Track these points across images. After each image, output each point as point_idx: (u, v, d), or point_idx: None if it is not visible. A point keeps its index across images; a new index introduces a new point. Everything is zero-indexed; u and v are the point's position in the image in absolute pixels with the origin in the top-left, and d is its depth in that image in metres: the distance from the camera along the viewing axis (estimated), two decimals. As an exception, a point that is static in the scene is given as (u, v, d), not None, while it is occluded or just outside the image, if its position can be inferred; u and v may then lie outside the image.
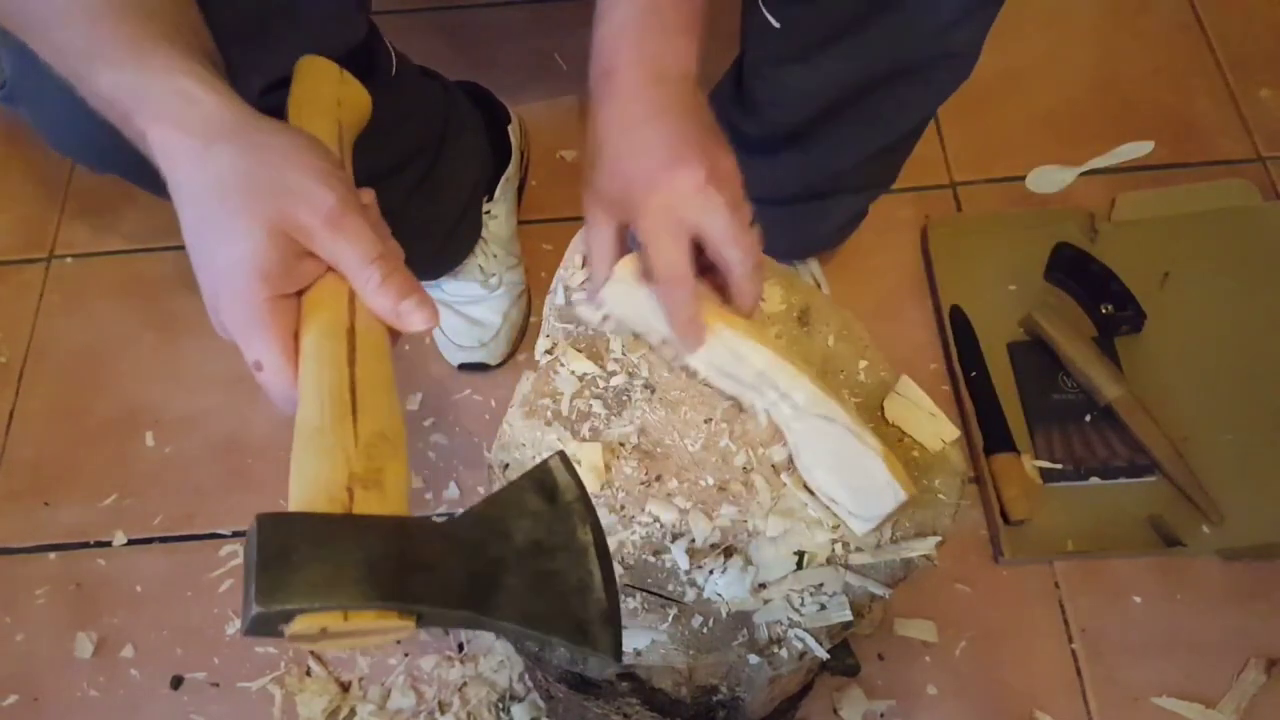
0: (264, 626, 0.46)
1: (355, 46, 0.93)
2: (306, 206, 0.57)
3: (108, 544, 1.32)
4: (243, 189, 0.57)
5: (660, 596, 0.70)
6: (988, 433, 1.30)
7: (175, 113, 0.58)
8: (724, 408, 0.77)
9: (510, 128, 1.46)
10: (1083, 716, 1.17)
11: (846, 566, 0.71)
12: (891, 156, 1.19)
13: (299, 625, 0.45)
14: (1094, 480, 1.27)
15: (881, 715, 1.17)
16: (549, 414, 0.78)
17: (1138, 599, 1.22)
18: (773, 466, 0.75)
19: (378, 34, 1.02)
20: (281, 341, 0.57)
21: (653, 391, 0.78)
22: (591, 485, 0.73)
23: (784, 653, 0.69)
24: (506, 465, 0.76)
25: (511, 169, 1.43)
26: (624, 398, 0.78)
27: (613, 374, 0.79)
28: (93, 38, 0.58)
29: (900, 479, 0.70)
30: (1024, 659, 1.20)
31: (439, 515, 1.31)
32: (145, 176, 0.62)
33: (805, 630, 0.69)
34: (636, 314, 0.76)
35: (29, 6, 0.60)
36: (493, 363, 1.38)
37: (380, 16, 1.02)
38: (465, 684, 1.21)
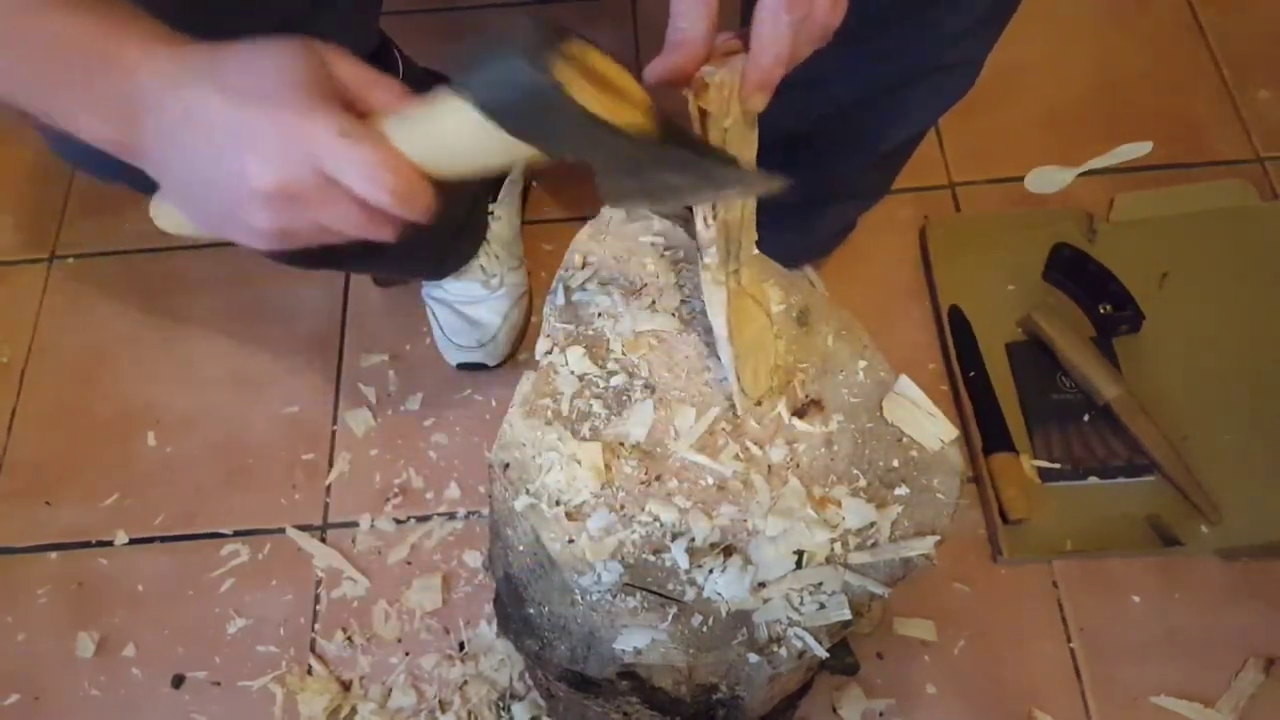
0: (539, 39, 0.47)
1: (368, 56, 0.94)
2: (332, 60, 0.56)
3: (109, 543, 1.32)
4: (268, 50, 0.55)
5: (660, 595, 0.71)
6: (986, 432, 1.30)
7: (169, 35, 0.56)
8: (724, 407, 0.78)
9: None
10: (1081, 716, 1.17)
11: (846, 566, 0.71)
12: (888, 166, 1.19)
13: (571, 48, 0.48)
14: (1093, 480, 1.27)
15: (881, 714, 1.17)
16: (549, 414, 0.78)
17: (1136, 598, 1.22)
18: (770, 467, 0.76)
19: (388, 42, 1.03)
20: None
21: (653, 391, 0.78)
22: (592, 485, 0.74)
23: (783, 651, 0.69)
24: (507, 465, 0.76)
25: (516, 171, 1.44)
26: (624, 398, 0.78)
27: (613, 374, 0.79)
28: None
29: (747, 387, 0.74)
30: (1023, 658, 1.20)
31: (439, 515, 1.31)
32: (149, 185, 0.62)
33: (804, 629, 0.70)
34: None
35: None
36: (491, 363, 1.38)
37: (382, 17, 1.03)
38: (466, 683, 1.21)
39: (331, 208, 0.55)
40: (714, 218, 0.67)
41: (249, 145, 0.53)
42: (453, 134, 0.53)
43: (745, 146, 0.65)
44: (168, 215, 0.69)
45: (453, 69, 0.49)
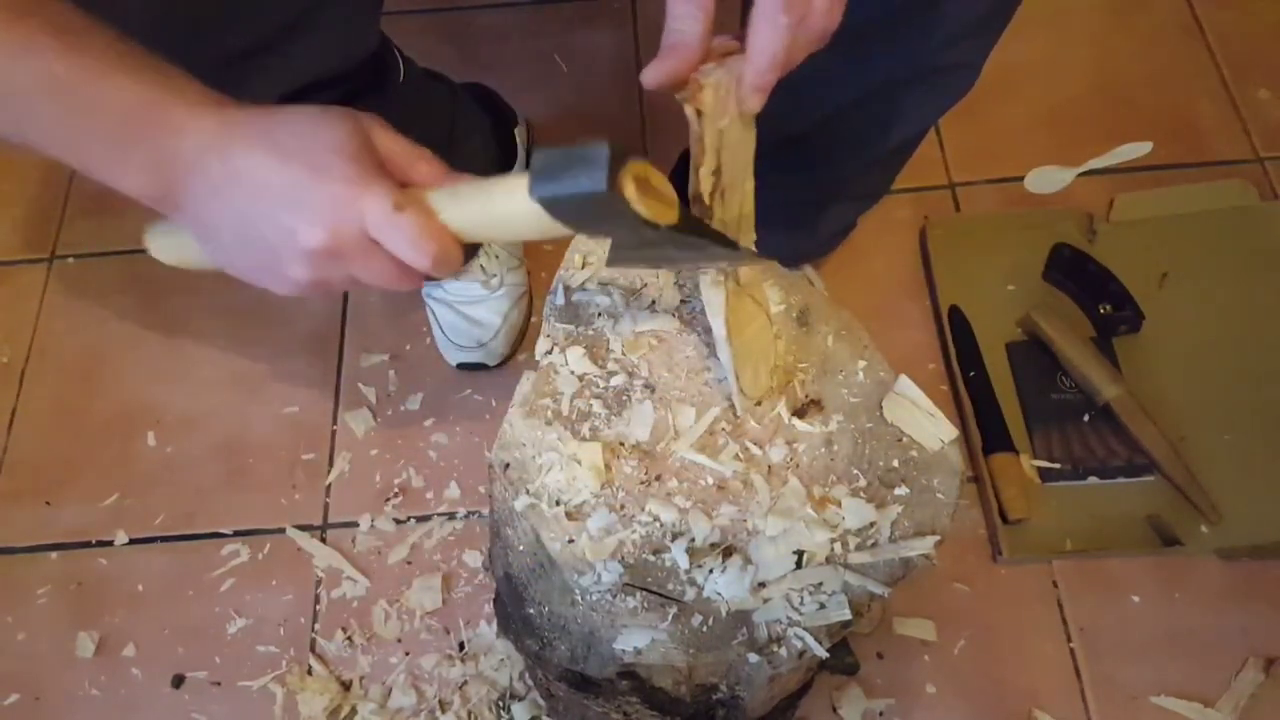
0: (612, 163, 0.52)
1: (368, 57, 0.94)
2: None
3: (109, 543, 1.32)
4: (315, 118, 0.59)
5: (660, 595, 0.71)
6: (986, 432, 1.30)
7: (215, 98, 0.58)
8: (724, 407, 0.78)
9: (516, 129, 1.47)
10: (1081, 715, 1.17)
11: (845, 565, 0.71)
12: (887, 167, 1.19)
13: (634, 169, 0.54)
14: (1092, 480, 1.27)
15: (880, 714, 1.17)
16: (549, 414, 0.78)
17: (1136, 598, 1.22)
18: (770, 467, 0.76)
19: (388, 43, 1.03)
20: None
21: (653, 391, 0.78)
22: (592, 485, 0.74)
23: (783, 651, 0.69)
24: (507, 465, 0.76)
25: (516, 170, 1.44)
26: (624, 398, 0.78)
27: (613, 374, 0.79)
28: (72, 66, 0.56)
29: (746, 387, 0.74)
30: (1022, 658, 1.20)
31: (439, 515, 1.31)
32: None
33: (804, 629, 0.70)
34: None
35: None
36: (491, 363, 1.38)
37: (383, 17, 1.03)
38: (466, 682, 1.21)
39: (369, 265, 0.59)
40: (711, 218, 0.67)
41: (305, 209, 0.57)
42: (502, 214, 0.58)
43: (743, 147, 0.65)
44: (164, 248, 0.70)
45: (534, 173, 0.55)
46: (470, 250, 1.33)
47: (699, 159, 0.65)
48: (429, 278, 0.61)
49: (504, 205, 0.58)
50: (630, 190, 0.55)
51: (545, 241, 1.47)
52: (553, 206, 0.56)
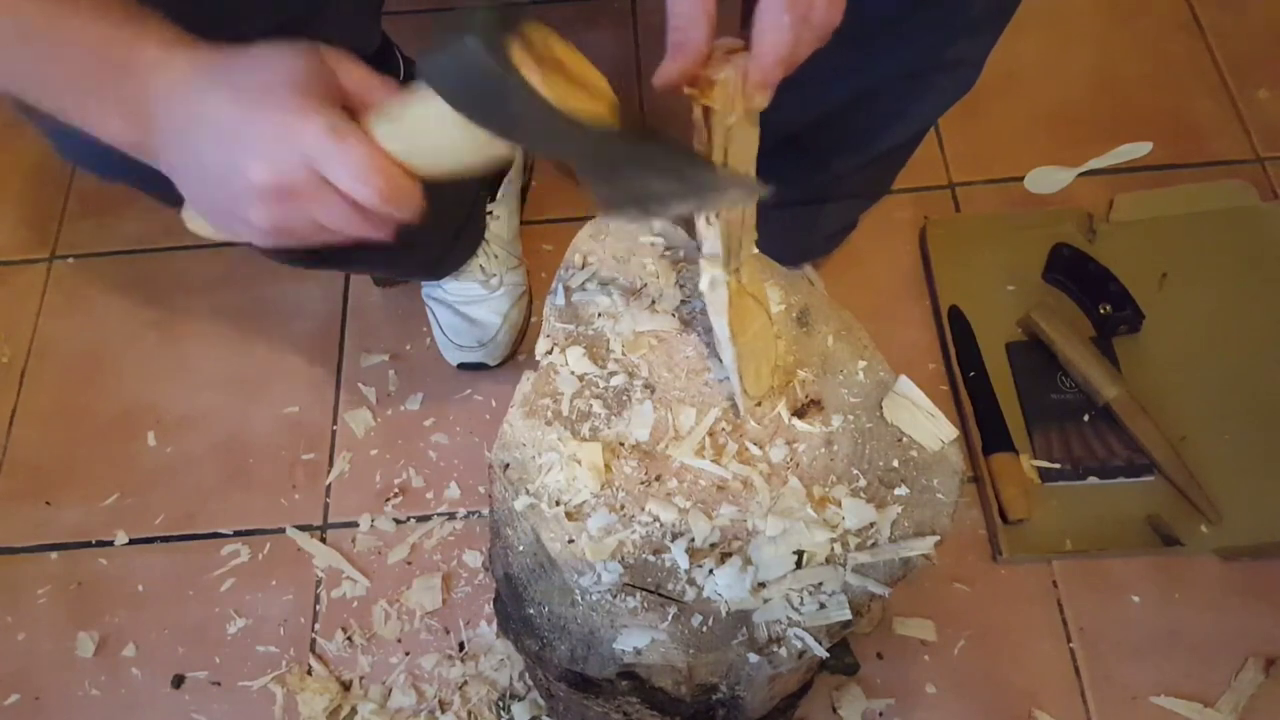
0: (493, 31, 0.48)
1: (369, 57, 0.94)
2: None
3: (109, 543, 1.32)
4: (275, 54, 0.57)
5: (660, 595, 0.71)
6: (986, 432, 1.30)
7: (189, 39, 0.58)
8: (724, 407, 0.78)
9: None
10: (1081, 715, 1.17)
11: (845, 566, 0.71)
12: (887, 167, 1.19)
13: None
14: (1092, 480, 1.27)
15: (880, 714, 1.17)
16: (549, 414, 0.78)
17: (1136, 598, 1.22)
18: (770, 467, 0.76)
19: (389, 43, 1.02)
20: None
21: (652, 391, 0.79)
22: (592, 485, 0.74)
23: (783, 652, 0.69)
24: (507, 465, 0.76)
25: (514, 171, 1.44)
26: (624, 398, 0.78)
27: (613, 374, 0.79)
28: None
29: (749, 387, 0.74)
30: (1022, 658, 1.20)
31: (439, 515, 1.31)
32: (150, 183, 0.63)
33: (804, 629, 0.70)
34: None
35: None
36: (491, 363, 1.38)
37: (383, 17, 1.03)
38: (466, 682, 1.21)
39: (325, 206, 0.57)
40: (716, 216, 0.67)
41: (248, 143, 0.55)
42: (429, 130, 0.55)
43: (747, 145, 0.65)
44: (196, 217, 0.69)
45: (418, 55, 0.51)
46: (464, 253, 1.33)
47: (706, 157, 0.64)
48: (407, 225, 0.59)
49: (427, 116, 0.54)
50: (523, 60, 0.48)
51: (545, 242, 1.49)
52: (449, 96, 0.51)
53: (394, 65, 1.03)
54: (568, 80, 0.51)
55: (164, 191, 0.61)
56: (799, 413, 0.78)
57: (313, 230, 0.59)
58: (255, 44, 0.58)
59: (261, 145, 0.55)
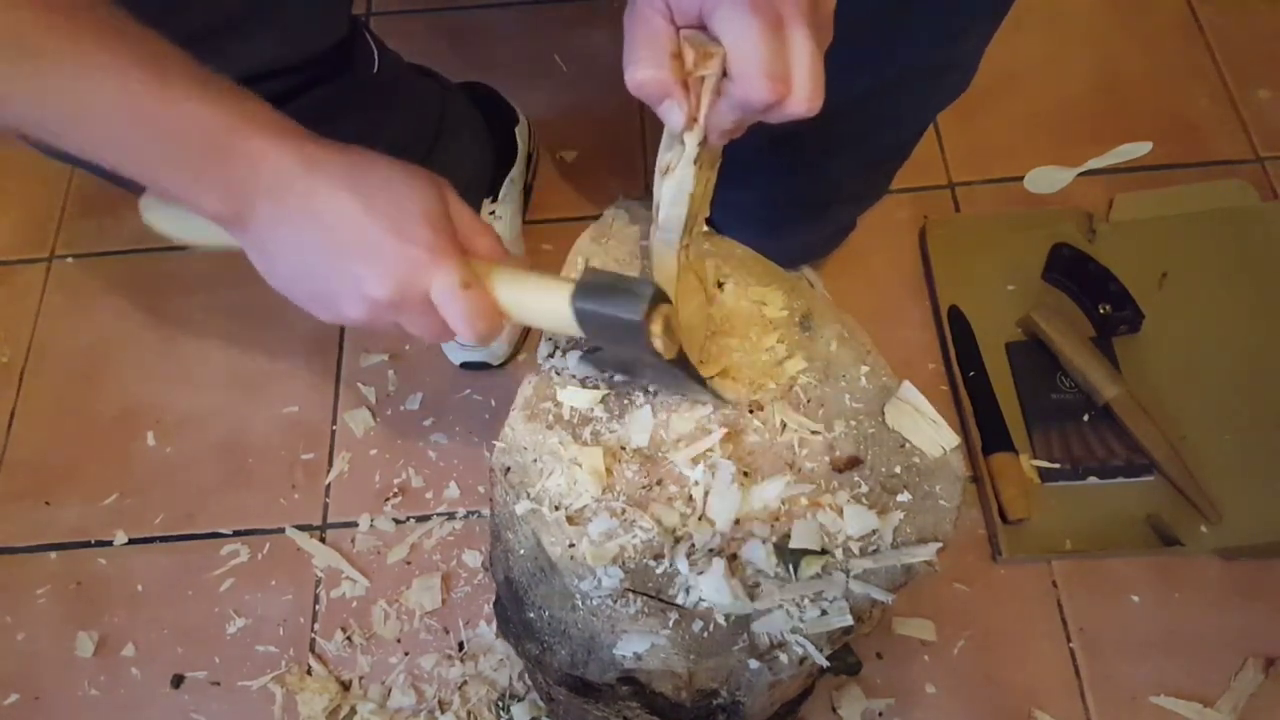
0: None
1: (334, 44, 0.93)
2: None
3: (109, 543, 1.32)
4: (404, 176, 0.63)
5: (661, 601, 0.71)
6: (986, 432, 1.30)
7: (293, 128, 0.61)
8: (722, 412, 0.78)
9: (517, 129, 1.46)
10: (1081, 715, 1.17)
11: (847, 572, 0.71)
12: (884, 167, 1.19)
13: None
14: (1092, 480, 1.27)
15: (880, 714, 1.17)
16: (550, 417, 0.78)
17: (1136, 598, 1.22)
18: (770, 472, 0.76)
19: (360, 32, 1.01)
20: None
21: (653, 395, 0.78)
22: (593, 489, 0.74)
23: (784, 658, 0.69)
24: (508, 469, 0.76)
25: (516, 170, 1.43)
26: (625, 402, 0.78)
27: (613, 377, 0.79)
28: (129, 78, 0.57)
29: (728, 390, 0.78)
30: (1022, 658, 1.20)
31: (439, 515, 1.31)
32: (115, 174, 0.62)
33: (806, 636, 0.70)
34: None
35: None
36: (495, 363, 1.38)
37: (381, 17, 1.02)
38: (465, 682, 1.21)
39: (419, 323, 0.65)
40: (690, 192, 0.69)
41: (375, 260, 0.61)
42: (545, 313, 0.67)
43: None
44: (160, 217, 0.70)
45: (581, 290, 0.64)
46: None
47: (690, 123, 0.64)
48: None
49: (542, 301, 0.66)
50: (657, 327, 0.63)
51: (545, 242, 1.49)
52: (585, 318, 0.64)
53: (363, 55, 1.01)
54: (666, 332, 0.65)
55: (131, 184, 0.61)
56: (840, 468, 0.77)
57: (389, 329, 0.65)
58: (371, 154, 0.63)
59: (390, 268, 0.61)
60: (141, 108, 0.56)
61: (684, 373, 0.71)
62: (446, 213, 0.64)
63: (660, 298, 0.63)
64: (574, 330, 0.65)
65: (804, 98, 0.60)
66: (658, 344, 0.64)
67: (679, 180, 0.68)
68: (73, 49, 0.54)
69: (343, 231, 0.60)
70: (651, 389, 0.79)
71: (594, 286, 0.63)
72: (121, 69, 0.55)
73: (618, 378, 0.79)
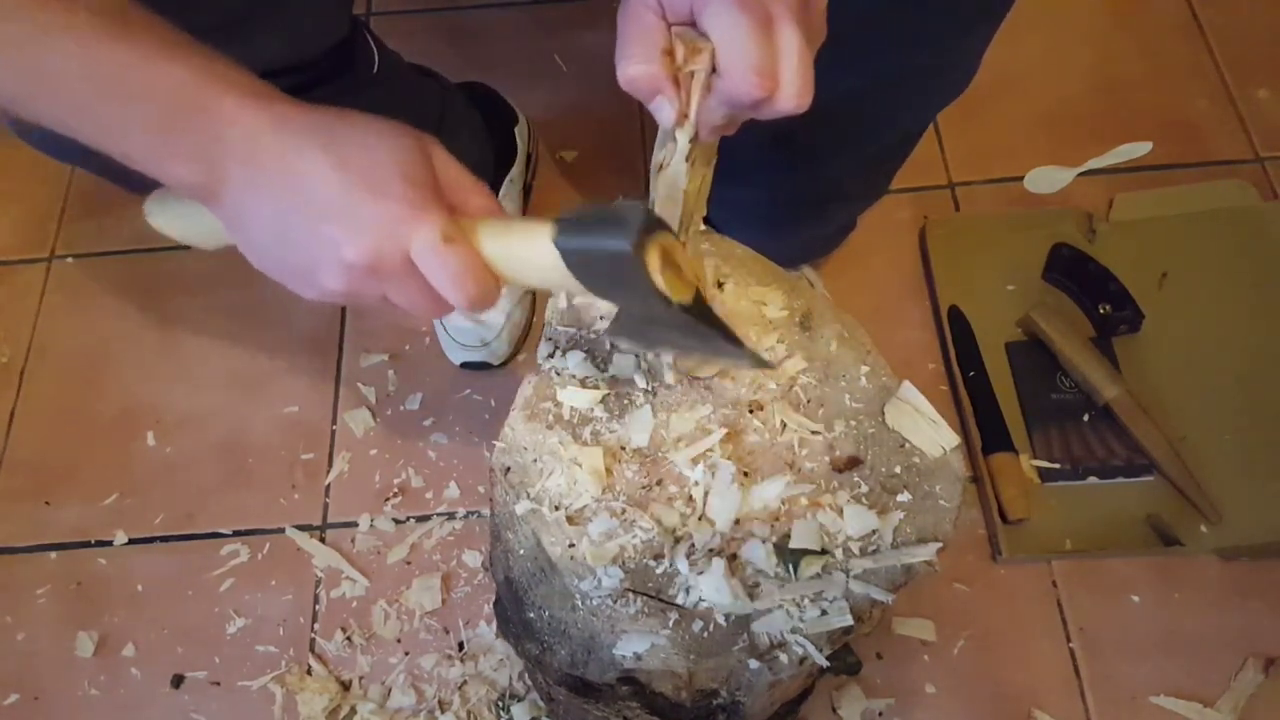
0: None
1: (334, 44, 0.93)
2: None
3: (108, 543, 1.32)
4: (382, 132, 0.59)
5: (661, 601, 0.71)
6: (986, 432, 1.30)
7: (266, 89, 0.58)
8: (722, 412, 0.78)
9: (517, 129, 1.46)
10: (1081, 715, 1.17)
11: (847, 572, 0.71)
12: (884, 166, 1.19)
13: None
14: (1092, 480, 1.27)
15: (880, 714, 1.17)
16: (550, 418, 0.78)
17: (1135, 598, 1.22)
18: (770, 472, 0.76)
19: (361, 32, 1.01)
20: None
21: (653, 395, 0.78)
22: (593, 489, 0.74)
23: (784, 658, 0.69)
24: (508, 469, 0.76)
25: (516, 170, 1.43)
26: (625, 402, 0.78)
27: (613, 377, 0.79)
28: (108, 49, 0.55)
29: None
30: (1022, 658, 1.20)
31: (439, 515, 1.31)
32: (114, 173, 0.62)
33: (806, 636, 0.70)
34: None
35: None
36: (495, 362, 1.38)
37: (381, 17, 1.02)
38: (465, 682, 1.21)
39: (405, 290, 0.59)
40: (684, 188, 0.68)
41: (351, 221, 0.56)
42: (535, 262, 0.59)
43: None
44: (165, 219, 0.69)
45: (563, 225, 0.57)
46: None
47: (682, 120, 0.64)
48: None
49: (529, 247, 0.58)
50: (654, 260, 0.56)
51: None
52: (572, 258, 0.57)
53: (363, 55, 1.01)
54: (669, 265, 0.57)
55: (128, 181, 0.60)
56: (840, 468, 0.77)
57: (377, 302, 0.60)
58: (348, 111, 0.59)
59: (366, 228, 0.56)
60: (103, 67, 0.54)
61: (704, 324, 0.62)
62: (430, 168, 0.59)
63: (655, 224, 0.56)
64: (570, 282, 0.59)
65: (792, 94, 0.59)
66: (658, 281, 0.56)
67: (672, 176, 0.68)
68: (28, 5, 0.52)
69: (315, 191, 0.56)
70: (668, 378, 0.78)
71: (577, 220, 0.57)
72: (80, 26, 0.53)
73: (622, 374, 0.78)
